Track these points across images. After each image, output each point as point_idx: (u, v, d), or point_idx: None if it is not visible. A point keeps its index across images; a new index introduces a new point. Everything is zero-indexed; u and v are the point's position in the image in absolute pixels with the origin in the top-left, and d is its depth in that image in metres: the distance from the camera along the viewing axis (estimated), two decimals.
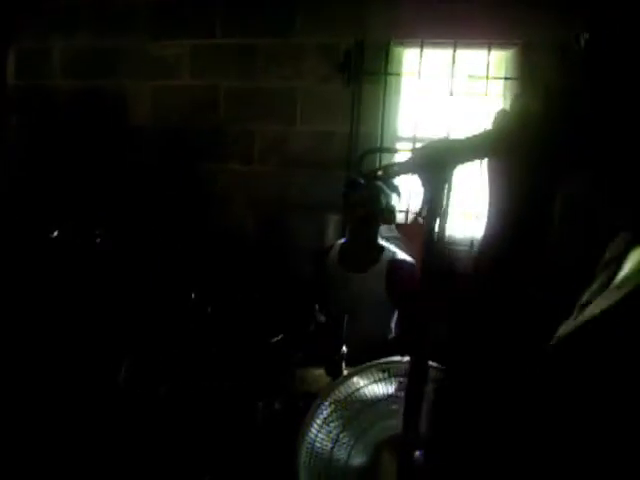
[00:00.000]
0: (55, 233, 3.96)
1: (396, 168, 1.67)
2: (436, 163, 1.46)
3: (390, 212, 3.39)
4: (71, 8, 5.04)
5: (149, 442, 2.97)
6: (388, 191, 3.39)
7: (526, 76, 3.90)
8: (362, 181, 3.39)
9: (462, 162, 1.49)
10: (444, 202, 1.47)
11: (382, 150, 4.22)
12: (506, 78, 4.12)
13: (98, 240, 4.25)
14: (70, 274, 3.91)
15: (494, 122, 1.43)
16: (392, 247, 3.44)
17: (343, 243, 3.57)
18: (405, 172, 1.64)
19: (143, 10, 4.86)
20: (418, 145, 1.65)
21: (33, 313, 3.74)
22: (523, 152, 1.40)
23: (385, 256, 3.38)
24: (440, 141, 1.51)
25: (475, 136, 1.50)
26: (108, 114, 4.99)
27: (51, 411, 3.21)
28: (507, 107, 1.44)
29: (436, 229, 1.47)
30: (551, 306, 1.29)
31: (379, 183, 3.36)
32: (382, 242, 3.46)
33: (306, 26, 4.45)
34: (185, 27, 4.75)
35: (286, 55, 4.51)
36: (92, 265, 4.03)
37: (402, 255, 3.39)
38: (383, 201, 3.35)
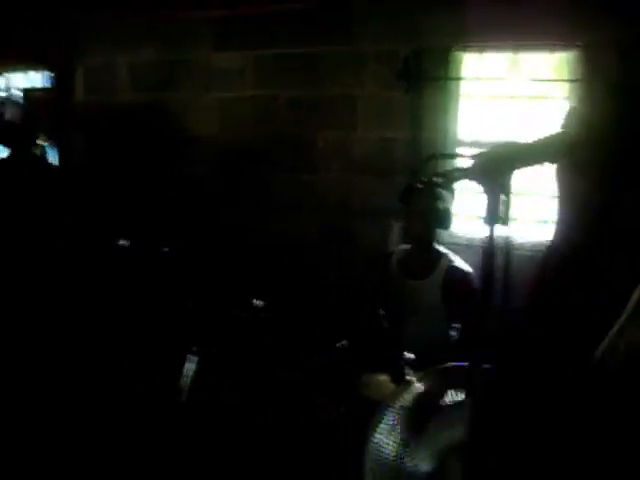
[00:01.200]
0: (123, 242, 4.06)
1: (457, 174, 1.68)
2: (496, 168, 1.46)
3: (447, 218, 3.39)
4: (136, 25, 5.16)
5: (214, 443, 3.01)
6: (446, 196, 3.39)
7: (589, 78, 3.84)
8: (420, 187, 3.39)
9: (523, 167, 1.48)
10: (504, 207, 1.47)
11: (445, 156, 4.20)
12: (568, 80, 4.05)
13: (164, 249, 4.33)
14: (137, 281, 4.01)
15: (561, 125, 1.42)
16: (450, 254, 3.44)
17: (402, 249, 3.58)
18: (466, 178, 1.64)
19: (206, 23, 4.96)
20: (479, 150, 1.65)
21: (102, 318, 3.84)
22: (589, 155, 1.39)
23: (443, 263, 3.38)
24: (500, 146, 1.51)
25: (537, 140, 1.49)
26: (173, 127, 5.10)
27: (118, 410, 3.29)
28: (571, 110, 1.43)
29: (496, 234, 1.47)
30: (598, 315, 1.28)
31: (437, 189, 3.36)
32: (440, 248, 3.46)
33: (366, 34, 4.46)
34: (248, 38, 4.82)
35: (347, 63, 4.53)
36: (158, 273, 4.12)
37: (460, 262, 3.39)
38: (440, 207, 3.35)
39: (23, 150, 4.67)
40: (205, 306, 3.67)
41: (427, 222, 3.38)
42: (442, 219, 3.37)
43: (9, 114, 4.67)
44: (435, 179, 3.29)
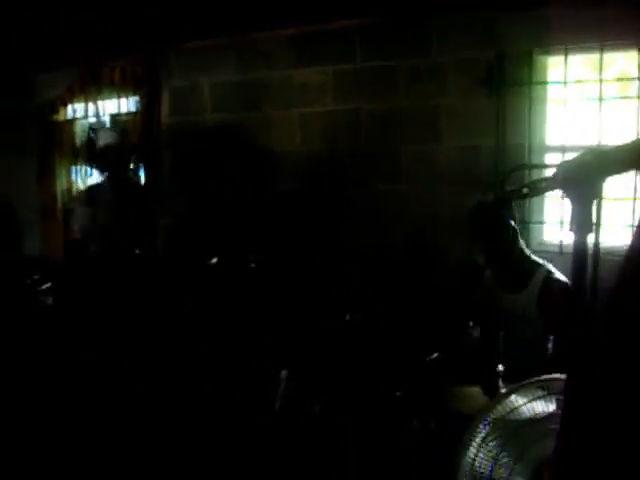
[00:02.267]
0: (214, 260, 4.15)
1: (543, 184, 1.64)
2: (584, 177, 1.42)
3: (515, 232, 3.31)
4: (218, 46, 5.28)
5: (306, 454, 3.03)
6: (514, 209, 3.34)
7: None
8: (490, 202, 3.36)
9: (613, 174, 1.44)
10: (594, 215, 1.43)
11: (530, 166, 4.11)
12: None
13: (252, 265, 4.40)
14: (228, 296, 4.08)
15: None
16: (548, 264, 3.34)
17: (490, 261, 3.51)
18: (552, 188, 1.60)
19: (285, 41, 5.03)
20: (568, 156, 1.61)
21: (196, 332, 3.92)
22: None
23: (539, 273, 3.30)
24: (588, 154, 1.46)
25: (628, 145, 1.44)
26: (257, 144, 5.18)
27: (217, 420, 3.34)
28: None
29: (587, 243, 1.42)
30: None
31: (509, 201, 3.32)
32: (537, 259, 3.38)
33: (444, 43, 4.44)
34: (327, 54, 4.86)
35: (427, 74, 4.52)
36: (247, 287, 4.19)
37: (556, 273, 3.30)
38: (517, 217, 3.31)
39: (118, 174, 4.85)
40: (298, 319, 3.71)
41: (506, 237, 3.31)
42: (512, 231, 3.30)
43: (103, 140, 4.88)
44: (522, 191, 3.24)
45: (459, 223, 4.29)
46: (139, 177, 5.75)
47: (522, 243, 3.37)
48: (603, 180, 1.41)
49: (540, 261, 3.36)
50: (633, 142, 1.42)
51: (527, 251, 3.40)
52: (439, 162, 4.53)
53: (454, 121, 4.45)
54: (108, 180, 4.96)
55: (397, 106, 4.63)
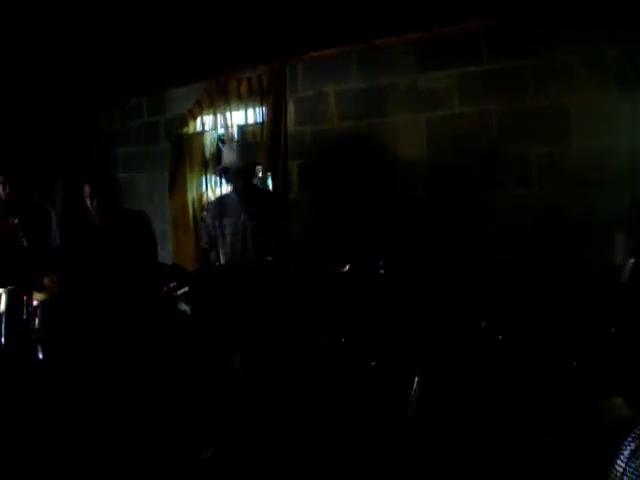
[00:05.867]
0: (346, 268, 4.20)
1: None
2: None
3: None
4: (342, 53, 5.37)
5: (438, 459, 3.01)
6: None
7: None
8: None
9: None
10: None
11: None
12: None
13: (381, 271, 4.42)
14: (360, 303, 4.11)
15: None
16: None
17: (633, 263, 3.40)
18: None
19: (409, 46, 5.05)
20: None
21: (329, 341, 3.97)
22: None
23: None
24: None
25: None
26: (383, 150, 5.21)
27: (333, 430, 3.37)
28: None
29: None
30: None
31: None
32: None
33: (572, 39, 4.33)
34: (451, 57, 4.85)
35: (553, 73, 4.42)
36: (378, 294, 4.21)
37: None
38: None
39: (245, 184, 4.98)
40: (424, 326, 3.70)
41: None
42: None
43: (228, 156, 5.04)
44: None
45: (593, 225, 4.21)
46: (267, 186, 5.90)
47: None
48: None
49: None
50: None
51: None
52: (571, 163, 4.41)
53: (585, 120, 4.32)
54: (235, 190, 5.09)
55: (525, 107, 4.56)
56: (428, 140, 5.03)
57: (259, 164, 5.32)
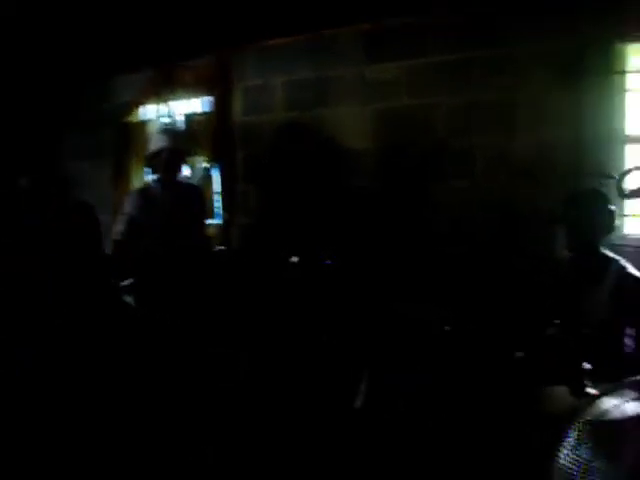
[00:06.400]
0: (295, 259, 4.18)
1: None
2: None
3: (612, 221, 3.25)
4: (290, 44, 5.32)
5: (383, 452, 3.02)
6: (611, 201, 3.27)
7: None
8: (591, 191, 3.30)
9: None
10: None
11: None
12: None
13: (328, 262, 4.42)
14: (307, 294, 4.10)
15: None
16: (622, 260, 3.27)
17: (569, 256, 3.45)
18: None
19: (358, 37, 5.04)
20: None
21: (274, 330, 3.95)
22: None
23: (612, 270, 3.23)
24: None
25: None
26: (330, 141, 5.19)
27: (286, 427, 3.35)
28: None
29: None
30: None
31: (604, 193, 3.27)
32: (609, 254, 3.30)
33: (520, 34, 4.35)
34: (399, 49, 4.84)
35: (502, 66, 4.44)
36: (324, 285, 4.20)
37: (630, 268, 3.22)
38: (605, 211, 3.23)
39: (168, 176, 4.81)
40: (372, 319, 3.71)
41: (592, 228, 3.25)
42: (607, 224, 3.24)
43: (155, 143, 4.80)
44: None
45: (535, 218, 4.25)
46: (205, 178, 5.80)
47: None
48: None
49: (614, 256, 3.29)
50: None
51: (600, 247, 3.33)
52: (516, 156, 4.44)
53: (531, 114, 4.36)
54: (160, 180, 4.86)
55: (473, 100, 4.58)
56: (376, 131, 5.02)
57: (189, 153, 5.18)
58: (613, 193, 3.47)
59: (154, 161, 4.83)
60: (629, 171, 3.67)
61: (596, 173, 3.81)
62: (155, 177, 4.90)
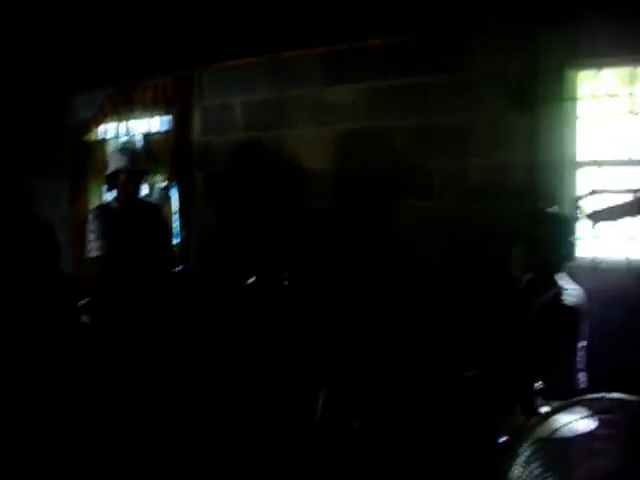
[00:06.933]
0: (251, 280, 4.18)
1: (617, 210, 1.61)
2: None
3: (571, 247, 3.32)
4: (249, 64, 5.35)
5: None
6: (571, 224, 3.33)
7: None
8: (546, 214, 3.36)
9: None
10: None
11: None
12: None
13: (285, 282, 4.43)
14: (265, 314, 4.11)
15: None
16: (565, 284, 3.29)
17: (525, 277, 3.50)
18: (630, 214, 1.58)
19: (317, 59, 5.08)
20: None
21: (234, 349, 3.95)
22: None
23: (550, 293, 3.26)
24: None
25: None
26: (289, 162, 5.23)
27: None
28: None
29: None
30: None
31: (562, 216, 3.33)
32: (555, 277, 3.33)
33: (475, 59, 4.45)
34: (358, 71, 4.90)
35: (459, 90, 4.52)
36: (282, 305, 4.21)
37: (569, 294, 3.24)
38: (564, 235, 3.29)
39: (127, 195, 4.75)
40: (331, 335, 3.73)
41: (549, 250, 3.31)
42: (565, 248, 3.30)
43: (117, 160, 4.73)
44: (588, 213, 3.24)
45: (491, 238, 4.31)
46: (163, 197, 5.76)
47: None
48: None
49: (558, 280, 3.32)
50: None
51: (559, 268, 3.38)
52: (471, 178, 4.51)
53: (486, 137, 4.44)
54: (118, 199, 4.80)
55: (429, 122, 4.64)
56: (335, 153, 5.07)
57: (148, 173, 5.13)
58: (571, 215, 3.55)
59: (113, 180, 4.78)
60: (586, 195, 3.75)
61: (554, 195, 3.90)
62: (114, 196, 4.85)
